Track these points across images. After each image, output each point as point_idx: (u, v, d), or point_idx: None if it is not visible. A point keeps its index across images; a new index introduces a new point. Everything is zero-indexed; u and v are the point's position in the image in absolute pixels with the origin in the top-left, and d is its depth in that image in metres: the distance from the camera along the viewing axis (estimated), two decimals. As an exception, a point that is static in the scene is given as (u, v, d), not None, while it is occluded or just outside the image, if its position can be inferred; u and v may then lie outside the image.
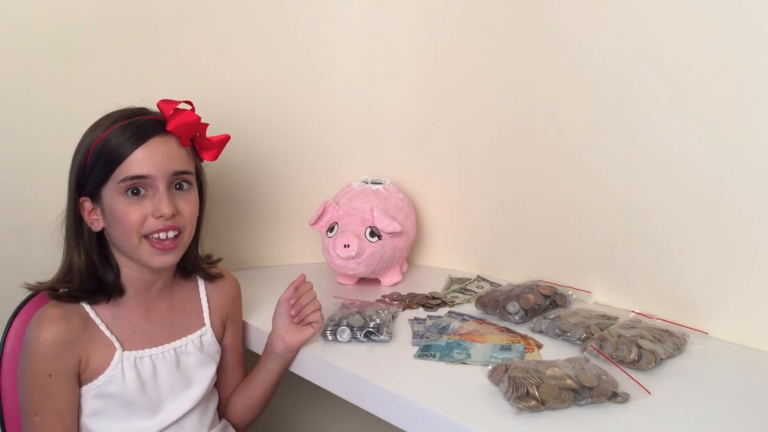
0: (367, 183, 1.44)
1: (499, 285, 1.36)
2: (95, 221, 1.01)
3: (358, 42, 1.52)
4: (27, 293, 1.08)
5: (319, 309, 1.11)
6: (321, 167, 1.55)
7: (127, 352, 1.02)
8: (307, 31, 1.50)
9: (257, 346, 1.20)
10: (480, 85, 1.42)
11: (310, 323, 1.10)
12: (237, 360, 1.19)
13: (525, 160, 1.37)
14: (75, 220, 1.02)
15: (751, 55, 1.03)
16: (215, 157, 1.08)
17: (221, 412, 1.19)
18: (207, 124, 1.06)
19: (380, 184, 1.44)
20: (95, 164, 0.98)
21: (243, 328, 1.21)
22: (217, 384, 1.16)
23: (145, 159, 0.97)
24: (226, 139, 1.09)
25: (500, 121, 1.40)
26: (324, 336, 1.12)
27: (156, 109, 1.03)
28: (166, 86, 1.35)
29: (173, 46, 1.40)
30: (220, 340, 1.15)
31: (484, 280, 1.44)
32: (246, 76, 1.47)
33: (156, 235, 0.99)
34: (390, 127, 1.55)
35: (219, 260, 1.18)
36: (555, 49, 1.28)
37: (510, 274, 1.40)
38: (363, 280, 1.43)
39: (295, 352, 1.11)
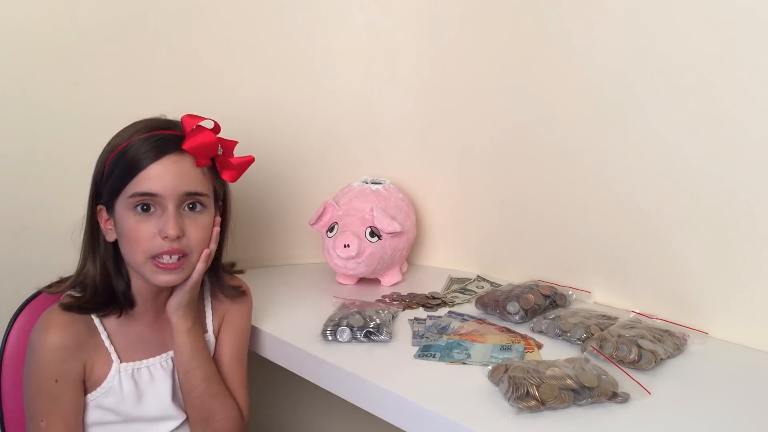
0: (367, 183, 1.44)
1: (499, 285, 1.36)
2: (109, 231, 1.00)
3: (358, 42, 1.52)
4: (28, 293, 1.08)
5: None
6: (321, 167, 1.55)
7: (124, 364, 1.02)
8: (307, 31, 1.50)
9: (256, 347, 1.20)
10: (480, 84, 1.42)
11: None
12: (227, 364, 1.12)
13: (525, 160, 1.37)
14: (92, 228, 1.00)
15: (753, 52, 1.03)
16: (235, 179, 1.05)
17: None
18: (235, 143, 1.03)
19: (380, 184, 1.44)
20: (111, 173, 0.97)
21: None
22: None
23: (157, 177, 0.95)
24: (250, 161, 1.05)
25: (500, 121, 1.40)
26: (324, 336, 1.12)
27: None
28: (165, 88, 1.36)
29: (172, 48, 1.40)
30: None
31: (484, 280, 1.44)
32: (246, 76, 1.47)
33: (161, 258, 0.97)
34: (390, 127, 1.55)
35: (241, 272, 1.16)
36: (555, 49, 1.28)
37: (510, 274, 1.40)
38: (363, 280, 1.43)
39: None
